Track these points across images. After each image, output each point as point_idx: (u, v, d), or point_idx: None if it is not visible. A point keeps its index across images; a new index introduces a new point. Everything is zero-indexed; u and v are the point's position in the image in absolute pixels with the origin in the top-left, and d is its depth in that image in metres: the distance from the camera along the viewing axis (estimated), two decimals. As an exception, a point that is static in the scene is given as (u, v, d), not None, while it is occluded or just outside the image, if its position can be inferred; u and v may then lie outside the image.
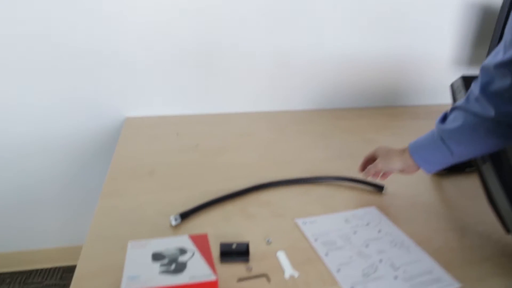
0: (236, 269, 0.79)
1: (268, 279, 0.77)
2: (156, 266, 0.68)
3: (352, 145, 1.44)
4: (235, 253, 0.83)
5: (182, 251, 0.72)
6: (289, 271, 0.79)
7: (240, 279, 0.76)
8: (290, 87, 1.75)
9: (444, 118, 0.87)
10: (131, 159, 1.24)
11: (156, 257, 0.71)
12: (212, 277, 0.65)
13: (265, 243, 0.87)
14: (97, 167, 1.65)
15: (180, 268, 0.68)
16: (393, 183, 1.11)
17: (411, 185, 1.14)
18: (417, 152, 0.91)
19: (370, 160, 1.05)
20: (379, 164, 0.99)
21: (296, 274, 0.78)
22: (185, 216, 0.94)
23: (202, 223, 0.93)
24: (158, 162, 1.22)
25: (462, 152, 0.84)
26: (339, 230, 0.92)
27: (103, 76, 1.52)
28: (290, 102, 1.78)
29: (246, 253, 0.82)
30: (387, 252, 0.85)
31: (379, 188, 1.10)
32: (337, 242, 0.88)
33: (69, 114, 1.55)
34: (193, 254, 0.71)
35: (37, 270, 1.86)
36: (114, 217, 0.94)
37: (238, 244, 0.83)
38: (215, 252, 0.83)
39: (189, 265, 0.69)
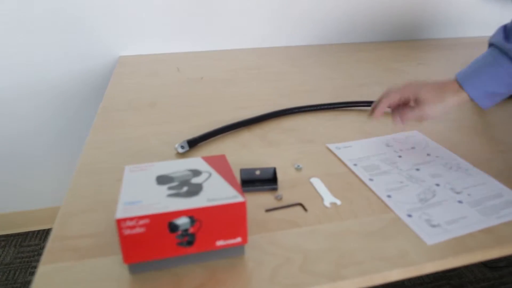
0: (262, 198, 0.64)
1: (305, 208, 0.62)
2: (163, 189, 0.52)
3: (376, 73, 1.27)
4: (259, 180, 0.67)
5: (196, 173, 0.57)
6: (329, 198, 0.64)
7: (269, 210, 0.61)
8: (301, 20, 1.55)
9: (507, 35, 0.70)
10: (127, 92, 1.07)
11: (162, 180, 0.55)
12: (239, 198, 0.50)
13: (294, 170, 0.72)
14: (91, 113, 1.47)
15: (195, 190, 0.52)
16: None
17: (455, 108, 0.98)
18: (471, 83, 0.70)
19: (398, 102, 0.77)
20: (425, 108, 0.72)
21: (338, 202, 0.63)
22: (193, 143, 0.78)
23: (215, 151, 0.77)
24: (159, 95, 1.05)
25: None
26: (381, 154, 0.77)
27: (95, 13, 1.32)
28: (300, 36, 1.59)
29: (273, 180, 0.67)
30: (444, 175, 0.70)
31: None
32: (381, 167, 0.73)
33: (59, 56, 1.36)
34: (209, 175, 0.56)
35: (33, 232, 1.72)
36: (108, 150, 0.78)
37: (263, 170, 0.67)
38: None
39: (205, 186, 0.53)
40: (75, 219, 0.59)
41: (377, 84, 1.15)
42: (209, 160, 0.60)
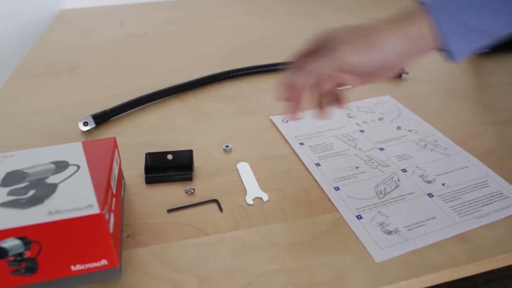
0: (170, 192, 0.49)
1: (220, 208, 0.46)
2: (1, 195, 0.37)
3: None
4: (173, 167, 0.52)
5: (61, 166, 0.41)
6: (254, 191, 0.48)
7: (171, 210, 0.46)
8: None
9: None
10: (51, 54, 0.89)
11: (11, 178, 0.40)
12: (93, 210, 0.34)
13: (222, 151, 0.56)
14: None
15: (43, 195, 0.37)
16: (414, 65, 0.77)
17: (441, 67, 0.80)
18: (444, 7, 0.41)
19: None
20: (342, 61, 0.41)
21: (265, 196, 0.47)
22: (102, 118, 0.62)
23: (130, 128, 0.61)
24: (87, 56, 0.88)
25: None
26: (338, 128, 0.60)
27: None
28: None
29: (187, 167, 0.51)
30: (414, 157, 0.54)
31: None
32: (335, 146, 0.56)
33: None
34: (76, 170, 0.40)
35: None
36: (1, 128, 0.63)
37: (177, 154, 0.51)
38: (140, 169, 0.52)
39: (60, 189, 0.38)
40: None
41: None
42: (89, 146, 0.45)
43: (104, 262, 0.37)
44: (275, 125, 0.61)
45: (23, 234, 0.34)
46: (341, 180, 0.50)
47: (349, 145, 0.56)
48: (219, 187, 0.49)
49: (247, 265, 0.39)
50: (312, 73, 0.42)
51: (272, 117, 0.63)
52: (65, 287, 0.37)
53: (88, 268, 0.36)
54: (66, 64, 0.84)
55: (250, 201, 0.47)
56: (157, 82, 0.71)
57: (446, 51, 0.42)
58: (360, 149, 0.55)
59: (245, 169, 0.52)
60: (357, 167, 0.52)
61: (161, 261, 0.40)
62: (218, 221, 0.44)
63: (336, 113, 0.64)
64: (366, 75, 0.42)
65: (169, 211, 0.46)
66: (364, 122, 0.62)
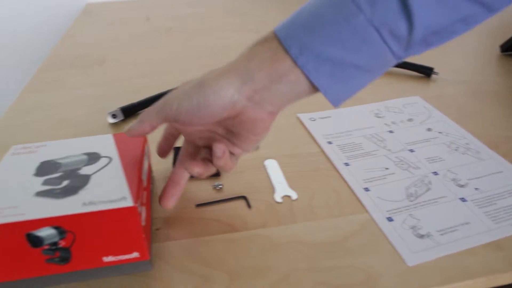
0: (198, 187, 0.49)
1: (249, 204, 0.46)
2: (36, 183, 0.38)
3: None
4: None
5: (92, 158, 0.41)
6: (283, 189, 0.48)
7: (200, 205, 0.46)
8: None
9: None
10: (77, 47, 0.91)
11: (45, 168, 0.40)
12: (127, 202, 0.35)
13: (249, 149, 0.55)
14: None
15: (77, 185, 0.37)
16: (444, 65, 0.76)
17: (471, 68, 0.78)
18: (312, 44, 0.33)
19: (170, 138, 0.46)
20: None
21: (294, 195, 0.47)
22: (130, 111, 0.62)
23: (157, 122, 0.61)
24: (114, 50, 0.88)
25: (429, 22, 0.32)
26: (366, 128, 0.60)
27: None
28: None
29: (215, 163, 0.51)
30: (446, 160, 0.53)
31: (426, 71, 0.75)
32: (364, 146, 0.56)
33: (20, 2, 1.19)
34: (108, 162, 0.41)
35: None
36: (28, 119, 0.64)
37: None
38: (169, 163, 0.52)
39: (93, 180, 0.38)
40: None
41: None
42: (120, 138, 0.45)
43: (135, 254, 0.37)
44: (302, 123, 0.61)
45: (59, 224, 0.34)
46: (370, 181, 0.49)
47: (378, 145, 0.56)
48: (247, 184, 0.49)
49: (276, 263, 0.39)
50: (143, 121, 0.39)
51: (299, 115, 0.62)
52: (96, 277, 0.38)
53: (120, 260, 0.37)
54: (94, 57, 0.85)
55: (278, 199, 0.46)
56: (183, 77, 0.71)
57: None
58: (389, 150, 0.55)
59: (273, 167, 0.51)
60: (386, 168, 0.51)
61: (191, 255, 0.40)
62: (247, 218, 0.44)
63: (364, 112, 0.63)
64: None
65: (198, 206, 0.46)
66: (393, 123, 0.61)
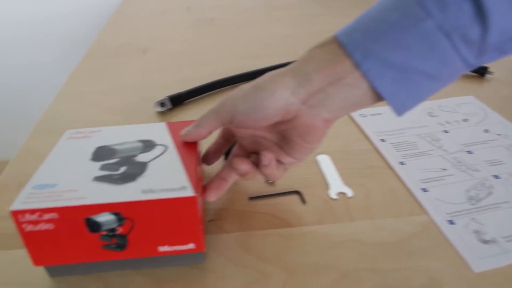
0: (250, 181, 0.48)
1: (303, 199, 0.45)
2: (94, 169, 0.38)
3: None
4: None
5: (148, 146, 0.41)
6: (337, 186, 0.47)
7: (254, 198, 0.45)
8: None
9: None
10: (121, 36, 0.91)
11: (101, 153, 0.40)
12: (187, 192, 0.34)
13: (299, 143, 0.54)
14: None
15: (135, 172, 0.37)
16: (499, 64, 0.73)
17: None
18: (371, 46, 0.32)
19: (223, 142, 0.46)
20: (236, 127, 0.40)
21: (349, 192, 0.46)
22: (178, 100, 0.62)
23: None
24: (157, 39, 0.89)
25: (506, 27, 0.30)
26: (420, 127, 0.57)
27: None
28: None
29: (266, 156, 0.50)
30: (506, 163, 0.50)
31: (480, 71, 0.72)
32: (419, 145, 0.54)
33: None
34: (164, 150, 0.40)
35: None
36: (77, 105, 0.64)
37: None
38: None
39: (151, 168, 0.38)
40: (12, 194, 0.46)
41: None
42: (174, 127, 0.44)
43: (191, 245, 0.36)
44: (352, 119, 0.59)
45: (118, 210, 0.34)
46: (428, 182, 0.47)
47: (433, 145, 0.53)
48: (300, 179, 0.48)
49: (334, 262, 0.38)
50: (200, 125, 0.39)
51: (349, 111, 0.61)
52: (149, 266, 0.38)
53: (175, 251, 0.36)
54: (137, 46, 0.85)
55: (333, 196, 0.45)
56: (227, 68, 0.70)
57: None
58: (445, 151, 0.52)
59: (326, 162, 0.50)
60: (444, 169, 0.49)
61: (245, 249, 0.39)
62: (301, 213, 0.43)
63: (416, 111, 0.61)
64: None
65: (251, 198, 0.45)
66: (447, 122, 0.58)
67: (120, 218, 0.34)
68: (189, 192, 0.34)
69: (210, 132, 0.39)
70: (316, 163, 0.50)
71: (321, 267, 0.37)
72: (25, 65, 1.37)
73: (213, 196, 0.41)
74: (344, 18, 0.99)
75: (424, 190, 0.46)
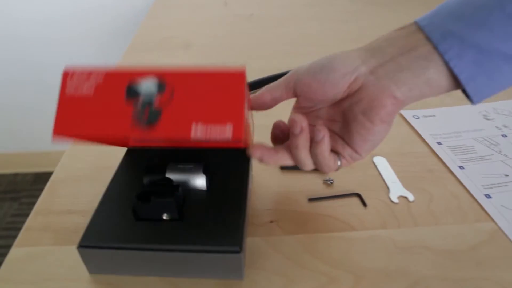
0: (306, 181, 0.47)
1: (364, 202, 0.44)
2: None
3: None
4: (304, 155, 0.50)
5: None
6: (398, 189, 0.46)
7: (313, 199, 0.45)
8: None
9: None
10: (162, 29, 0.91)
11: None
12: (235, 70, 0.32)
13: (354, 144, 0.54)
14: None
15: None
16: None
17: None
18: (460, 35, 0.31)
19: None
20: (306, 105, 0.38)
21: (411, 196, 0.45)
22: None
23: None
24: (197, 34, 0.88)
25: None
26: (476, 130, 0.56)
27: None
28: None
29: (323, 157, 0.50)
30: None
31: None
32: (477, 149, 0.52)
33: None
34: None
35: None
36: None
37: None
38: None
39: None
40: (68, 188, 0.47)
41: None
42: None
43: (228, 128, 0.30)
44: (406, 120, 0.58)
45: (162, 77, 0.32)
46: (491, 188, 0.46)
47: (493, 149, 0.52)
48: (358, 181, 0.47)
49: (403, 268, 0.37)
50: (264, 92, 0.37)
51: (401, 112, 0.60)
52: (191, 274, 0.36)
53: (208, 133, 0.30)
54: (179, 40, 0.85)
55: (395, 199, 0.44)
56: (267, 64, 0.70)
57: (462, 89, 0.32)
58: (506, 155, 0.51)
59: (383, 165, 0.49)
60: (506, 175, 0.48)
61: (311, 252, 0.39)
62: (363, 217, 0.43)
63: (470, 113, 0.59)
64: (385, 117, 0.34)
65: (310, 200, 0.45)
66: (505, 126, 0.57)
67: (161, 86, 0.32)
68: (239, 70, 0.31)
69: (273, 100, 0.37)
70: (374, 165, 0.50)
71: (390, 273, 0.37)
72: (65, 62, 1.40)
73: (258, 152, 0.37)
74: (381, 16, 0.98)
75: (488, 196, 0.45)
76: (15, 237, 0.41)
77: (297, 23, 0.95)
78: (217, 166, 0.42)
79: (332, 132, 0.37)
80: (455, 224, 0.42)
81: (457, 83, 0.32)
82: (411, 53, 0.32)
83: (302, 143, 0.35)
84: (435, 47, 0.31)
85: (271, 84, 0.37)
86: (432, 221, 0.42)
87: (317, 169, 0.38)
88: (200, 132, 0.30)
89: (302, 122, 0.34)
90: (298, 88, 0.36)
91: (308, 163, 0.36)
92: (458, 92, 0.34)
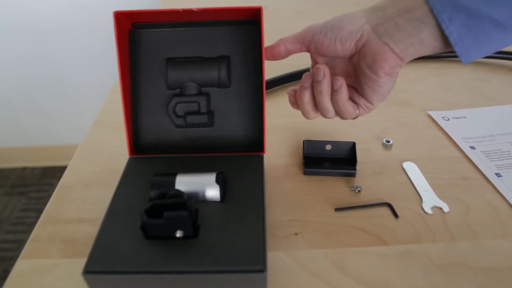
0: (332, 188, 0.44)
1: (395, 213, 0.41)
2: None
3: None
4: (330, 159, 0.47)
5: None
6: (431, 199, 0.42)
7: (341, 209, 0.42)
8: None
9: None
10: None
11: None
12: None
13: (381, 147, 0.50)
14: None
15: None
16: None
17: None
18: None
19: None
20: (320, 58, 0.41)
21: (445, 207, 0.41)
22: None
23: (267, 110, 0.57)
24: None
25: None
26: (510, 133, 0.52)
27: None
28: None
29: (350, 162, 0.46)
30: None
31: None
32: (514, 154, 0.49)
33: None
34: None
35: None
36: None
37: (336, 145, 0.47)
38: (296, 158, 0.48)
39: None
40: (78, 193, 0.44)
41: None
42: None
43: None
44: (435, 122, 0.55)
45: None
46: (532, 197, 0.42)
47: (530, 155, 0.49)
48: (387, 188, 0.44)
49: (441, 287, 0.34)
50: (278, 43, 0.41)
51: (430, 112, 0.56)
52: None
53: None
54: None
55: (428, 210, 0.41)
56: (288, 62, 0.66)
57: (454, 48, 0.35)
58: (545, 161, 0.47)
59: (413, 171, 0.46)
60: (548, 183, 0.44)
61: (340, 269, 0.36)
62: (395, 229, 0.39)
63: (502, 114, 0.56)
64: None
65: (337, 210, 0.41)
66: (541, 129, 0.53)
67: None
68: None
69: (287, 51, 0.41)
70: (403, 171, 0.46)
71: (428, 294, 0.34)
72: (69, 58, 1.38)
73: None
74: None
75: (530, 207, 0.41)
76: (23, 232, 0.39)
77: (313, 16, 0.91)
78: (228, 174, 0.39)
79: (348, 85, 0.40)
80: (496, 239, 0.38)
81: (448, 44, 0.34)
82: (408, 14, 0.35)
83: (325, 88, 0.39)
84: (431, 10, 0.33)
85: (286, 37, 0.41)
86: (470, 235, 0.39)
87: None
88: None
89: (325, 69, 0.38)
90: (312, 45, 0.40)
91: (330, 109, 0.40)
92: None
